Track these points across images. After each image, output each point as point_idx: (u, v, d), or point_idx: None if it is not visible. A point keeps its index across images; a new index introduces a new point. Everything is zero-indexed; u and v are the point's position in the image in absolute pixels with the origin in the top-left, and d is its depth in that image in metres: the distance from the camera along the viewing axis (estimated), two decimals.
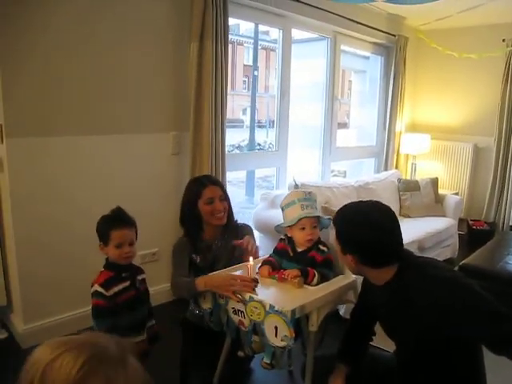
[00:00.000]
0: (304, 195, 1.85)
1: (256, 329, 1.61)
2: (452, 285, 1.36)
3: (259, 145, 9.37)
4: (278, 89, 3.93)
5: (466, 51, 4.57)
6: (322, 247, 1.83)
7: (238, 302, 1.63)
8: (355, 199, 3.85)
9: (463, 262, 3.04)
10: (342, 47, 4.41)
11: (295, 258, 1.84)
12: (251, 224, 3.64)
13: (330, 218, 1.80)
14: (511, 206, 4.55)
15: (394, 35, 4.71)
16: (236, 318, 1.67)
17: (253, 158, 4.12)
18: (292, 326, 1.49)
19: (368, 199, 1.57)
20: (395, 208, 4.20)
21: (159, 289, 3.17)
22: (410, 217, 4.15)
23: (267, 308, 1.55)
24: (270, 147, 6.46)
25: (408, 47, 4.84)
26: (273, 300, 1.58)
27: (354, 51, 5.06)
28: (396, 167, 5.07)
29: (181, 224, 2.11)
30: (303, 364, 1.80)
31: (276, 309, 1.52)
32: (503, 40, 4.51)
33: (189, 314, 2.18)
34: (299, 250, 1.85)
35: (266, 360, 1.60)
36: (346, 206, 1.56)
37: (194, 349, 2.07)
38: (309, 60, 5.29)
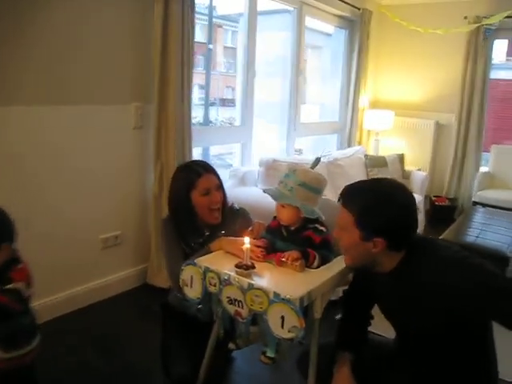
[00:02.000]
0: (288, 171, 1.65)
1: (256, 319, 1.43)
2: (463, 266, 1.29)
3: (211, 122, 9.07)
4: (243, 62, 3.69)
5: (428, 27, 4.53)
6: (319, 227, 1.65)
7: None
8: (326, 176, 3.77)
9: (440, 237, 3.02)
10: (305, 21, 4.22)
11: (289, 237, 1.65)
12: None
13: (313, 210, 1.60)
14: (471, 182, 4.63)
15: (358, 8, 4.59)
16: (232, 308, 1.47)
17: (217, 133, 3.87)
18: (302, 315, 1.32)
19: (378, 177, 1.44)
20: None
21: (123, 275, 2.93)
22: None
23: (271, 296, 1.36)
24: (221, 124, 6.24)
25: (372, 22, 4.74)
26: (275, 287, 1.39)
27: (312, 27, 4.90)
28: (359, 143, 5.02)
29: (170, 213, 1.86)
30: (301, 354, 1.66)
31: (282, 297, 1.34)
32: (465, 17, 4.50)
33: (171, 298, 1.98)
34: (292, 228, 1.67)
35: (270, 354, 1.43)
36: (359, 188, 1.42)
37: (176, 336, 1.85)
38: (269, 34, 5.07)
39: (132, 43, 2.70)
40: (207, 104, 8.60)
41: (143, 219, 2.97)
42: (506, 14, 3.85)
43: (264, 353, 1.48)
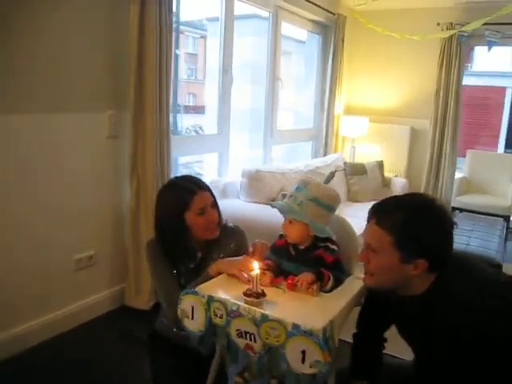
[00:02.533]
0: (300, 184, 1.50)
1: (271, 353, 1.27)
2: (500, 287, 1.23)
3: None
4: (219, 68, 3.53)
5: (402, 33, 4.51)
6: (331, 245, 1.50)
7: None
8: None
9: None
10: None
11: (298, 257, 1.50)
12: None
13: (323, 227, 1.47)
14: (448, 187, 4.63)
15: (333, 13, 4.52)
16: (242, 342, 1.30)
17: (192, 143, 3.68)
18: (326, 349, 1.17)
19: (408, 192, 1.33)
20: (343, 193, 4.05)
21: (99, 298, 2.69)
22: (358, 201, 4.02)
23: (289, 328, 1.20)
24: (186, 132, 6.07)
25: (346, 27, 4.69)
26: (293, 317, 1.24)
27: (284, 33, 4.81)
28: (335, 151, 4.95)
29: (158, 236, 1.67)
30: None
31: (303, 329, 1.19)
32: (438, 24, 4.52)
33: (158, 325, 1.80)
34: (301, 247, 1.52)
35: None
36: (396, 204, 1.30)
37: (169, 370, 1.67)
38: (239, 39, 4.94)
39: (105, 46, 2.49)
40: (175, 111, 8.39)
41: (119, 237, 2.74)
42: (483, 22, 3.86)
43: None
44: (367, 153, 4.96)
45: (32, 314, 2.33)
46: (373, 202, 4.38)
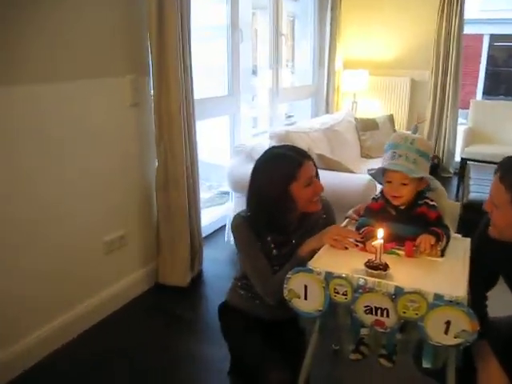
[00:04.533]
0: (402, 141, 1.39)
1: (406, 327, 1.19)
2: None
3: None
4: (227, 25, 3.28)
5: None
6: (430, 201, 1.42)
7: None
8: (326, 143, 3.52)
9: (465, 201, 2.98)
10: None
11: (400, 217, 1.40)
12: (226, 182, 3.10)
13: (432, 178, 1.42)
14: (451, 138, 4.62)
15: None
16: (370, 319, 1.20)
17: (203, 106, 3.46)
18: (475, 317, 1.09)
19: None
20: (356, 149, 3.96)
21: (132, 279, 2.53)
22: (371, 157, 3.94)
23: (431, 299, 1.12)
24: None
25: None
26: (422, 285, 1.15)
27: None
28: (336, 107, 4.82)
29: (255, 209, 1.53)
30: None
31: (447, 298, 1.10)
32: None
33: (231, 298, 1.71)
34: (401, 206, 1.41)
35: (427, 364, 1.21)
36: None
37: (254, 339, 1.58)
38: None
39: (119, 2, 2.22)
40: None
41: (148, 211, 2.57)
42: None
43: (383, 355, 1.30)
44: (368, 107, 4.85)
45: (65, 306, 2.14)
46: None
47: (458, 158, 4.81)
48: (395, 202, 1.40)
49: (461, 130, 4.58)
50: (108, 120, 2.26)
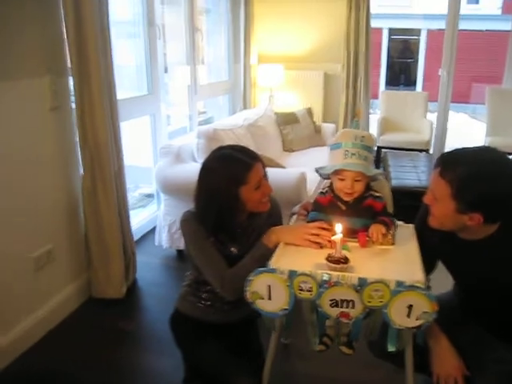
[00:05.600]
0: (352, 139, 1.42)
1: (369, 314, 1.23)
2: None
3: None
4: (142, 21, 3.14)
5: None
6: (375, 193, 1.48)
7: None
8: (250, 139, 3.54)
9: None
10: None
11: (350, 211, 1.44)
12: (155, 183, 2.97)
13: (382, 173, 1.51)
14: (364, 129, 4.85)
15: None
16: (335, 312, 1.22)
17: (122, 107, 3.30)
18: (433, 298, 1.16)
19: (483, 145, 1.35)
20: (278, 143, 4.02)
21: (66, 295, 2.35)
22: (294, 150, 4.02)
23: (393, 286, 1.16)
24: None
25: None
26: (382, 274, 1.20)
27: None
28: (254, 102, 4.85)
29: (202, 210, 1.48)
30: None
31: (408, 284, 1.16)
32: None
33: (181, 305, 1.65)
34: (349, 200, 1.45)
35: (392, 348, 1.26)
36: (462, 156, 1.29)
37: (211, 346, 1.56)
38: None
39: None
40: None
41: (75, 223, 2.39)
42: None
43: (344, 343, 1.38)
44: (284, 101, 4.94)
45: None
46: (310, 149, 4.51)
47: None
48: (347, 198, 1.43)
49: (374, 120, 4.84)
50: (25, 126, 2.04)
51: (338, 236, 1.24)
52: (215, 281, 1.44)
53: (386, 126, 4.64)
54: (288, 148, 4.04)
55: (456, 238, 1.38)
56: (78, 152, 2.30)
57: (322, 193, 1.51)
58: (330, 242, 1.34)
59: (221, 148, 1.52)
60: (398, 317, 1.19)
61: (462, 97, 8.46)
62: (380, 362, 1.62)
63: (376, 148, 4.56)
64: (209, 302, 1.58)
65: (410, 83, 10.47)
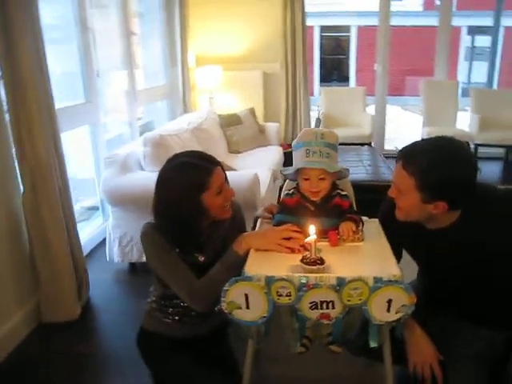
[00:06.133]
0: (313, 137, 1.41)
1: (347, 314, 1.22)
2: None
3: None
4: (74, 25, 2.97)
5: None
6: (341, 192, 1.47)
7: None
8: (196, 143, 3.48)
9: None
10: None
11: (318, 211, 1.42)
12: (101, 195, 2.81)
13: (347, 169, 1.49)
14: (307, 125, 4.92)
15: None
16: (315, 314, 1.20)
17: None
18: (411, 290, 1.17)
19: (437, 136, 1.34)
20: (223, 145, 3.98)
21: (9, 327, 2.16)
22: (239, 152, 3.99)
23: (372, 283, 1.16)
24: None
25: None
26: (359, 271, 1.19)
27: None
28: (193, 105, 4.77)
29: (164, 222, 1.40)
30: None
31: (386, 279, 1.16)
32: None
33: (148, 324, 1.56)
34: (317, 200, 1.44)
35: (374, 344, 1.27)
36: (421, 148, 1.32)
37: (185, 365, 1.49)
38: None
39: None
40: None
41: (18, 245, 2.21)
42: None
43: (331, 343, 1.36)
44: (226, 103, 4.91)
45: None
46: (255, 150, 4.52)
47: None
48: (314, 198, 1.42)
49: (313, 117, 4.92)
50: None
51: (312, 237, 1.22)
52: (184, 294, 1.38)
53: (327, 121, 4.73)
54: (233, 150, 4.00)
55: (422, 228, 1.41)
56: (15, 167, 2.13)
57: (288, 194, 1.49)
58: (301, 246, 1.32)
59: (177, 156, 1.45)
60: (379, 312, 1.19)
61: (395, 90, 8.84)
62: (353, 358, 1.63)
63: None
64: (177, 317, 1.51)
65: (343, 79, 10.81)
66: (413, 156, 1.30)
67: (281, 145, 4.67)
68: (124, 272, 2.87)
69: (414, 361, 1.39)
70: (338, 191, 1.47)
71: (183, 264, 1.38)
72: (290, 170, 1.46)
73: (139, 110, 4.41)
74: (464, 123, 4.99)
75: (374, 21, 5.32)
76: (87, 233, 3.24)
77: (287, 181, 1.62)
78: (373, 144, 4.82)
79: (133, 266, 2.88)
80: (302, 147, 1.41)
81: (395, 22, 4.97)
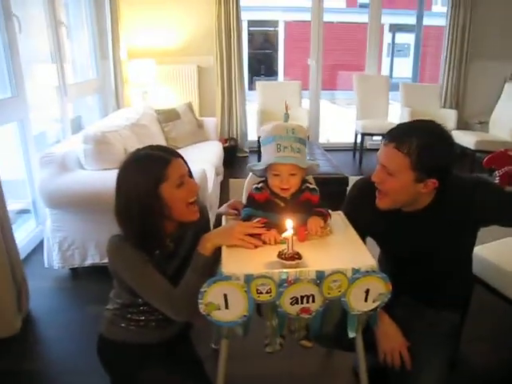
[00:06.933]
0: (284, 132, 1.39)
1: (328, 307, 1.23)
2: (485, 184, 1.44)
3: None
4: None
5: None
6: (310, 185, 1.47)
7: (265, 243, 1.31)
8: (136, 140, 3.36)
9: None
10: None
11: (288, 207, 1.41)
12: (36, 198, 2.60)
13: (318, 164, 1.50)
14: (242, 120, 4.91)
15: None
16: (295, 309, 1.20)
17: None
18: (387, 279, 1.21)
19: (419, 118, 1.43)
20: (162, 141, 3.85)
21: None
22: (178, 147, 3.88)
23: (350, 274, 1.18)
24: None
25: None
26: (334, 264, 1.20)
27: None
28: (127, 100, 4.58)
29: (126, 224, 1.32)
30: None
31: (364, 270, 1.19)
32: None
33: (109, 330, 1.47)
34: (286, 196, 1.42)
35: (352, 334, 1.29)
36: (411, 128, 1.36)
37: (157, 371, 1.43)
38: None
39: None
40: None
41: None
42: None
43: (303, 337, 1.40)
44: (160, 98, 4.76)
45: None
46: (194, 145, 4.45)
47: (250, 138, 5.18)
48: (285, 194, 1.40)
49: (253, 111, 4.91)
50: None
51: (289, 232, 1.21)
52: (163, 305, 1.31)
53: (264, 116, 4.73)
54: (172, 145, 3.88)
55: (396, 214, 1.44)
56: None
57: (257, 189, 1.45)
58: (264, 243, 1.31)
59: (135, 151, 1.38)
60: (357, 303, 1.22)
61: (325, 84, 9.14)
62: (317, 350, 1.65)
63: (257, 138, 4.64)
64: (142, 323, 1.44)
65: (272, 73, 10.91)
66: (406, 135, 1.32)
67: (220, 140, 4.63)
68: (65, 279, 2.69)
69: (383, 348, 1.43)
70: (307, 185, 1.46)
71: (159, 275, 1.31)
72: (260, 166, 1.43)
73: (69, 105, 4.17)
74: (393, 116, 5.24)
75: (302, 16, 5.41)
76: (19, 239, 2.99)
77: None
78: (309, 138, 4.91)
79: (74, 272, 2.70)
80: (273, 142, 1.38)
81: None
